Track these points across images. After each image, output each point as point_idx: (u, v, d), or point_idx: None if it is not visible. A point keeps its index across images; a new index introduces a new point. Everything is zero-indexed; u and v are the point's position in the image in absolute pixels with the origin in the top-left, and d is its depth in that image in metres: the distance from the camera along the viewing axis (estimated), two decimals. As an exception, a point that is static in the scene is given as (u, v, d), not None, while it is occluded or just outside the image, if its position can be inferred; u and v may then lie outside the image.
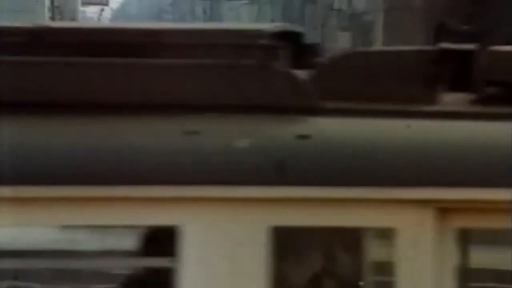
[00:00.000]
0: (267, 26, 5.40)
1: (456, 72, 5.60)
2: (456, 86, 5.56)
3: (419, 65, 5.48)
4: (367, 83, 5.40)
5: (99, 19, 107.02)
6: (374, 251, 5.69)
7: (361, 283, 5.80)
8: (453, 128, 5.41)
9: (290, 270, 5.64)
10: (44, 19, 66.01)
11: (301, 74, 5.34)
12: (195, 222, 5.11)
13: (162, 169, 5.05)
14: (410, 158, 5.21)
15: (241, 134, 5.13)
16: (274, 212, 5.08)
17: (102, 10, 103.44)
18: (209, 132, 5.10)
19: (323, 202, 5.11)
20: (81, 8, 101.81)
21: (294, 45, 5.70)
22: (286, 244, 5.46)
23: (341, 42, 58.77)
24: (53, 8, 73.70)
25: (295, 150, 5.13)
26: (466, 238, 5.74)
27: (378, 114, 5.24)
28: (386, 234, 5.41)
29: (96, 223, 5.49)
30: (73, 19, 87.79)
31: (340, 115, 5.24)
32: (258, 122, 5.17)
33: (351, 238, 5.56)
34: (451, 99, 5.55)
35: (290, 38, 5.65)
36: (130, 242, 8.31)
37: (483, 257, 6.49)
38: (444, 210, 5.23)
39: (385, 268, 5.59)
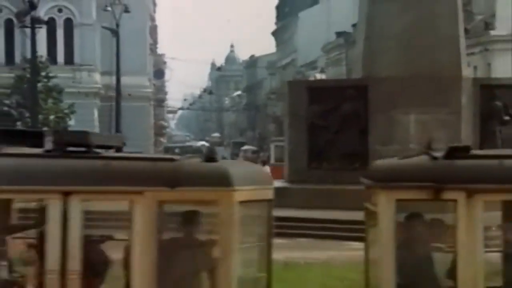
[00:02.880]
0: None
1: None
2: None
3: None
4: None
5: (173, 118, 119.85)
6: None
7: None
8: None
9: None
10: (149, 121, 62.66)
11: None
12: None
13: None
14: None
15: None
16: None
17: (174, 114, 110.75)
18: None
19: None
20: (167, 115, 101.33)
21: None
22: None
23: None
24: (154, 116, 68.53)
25: None
26: None
27: None
28: None
29: None
30: (162, 119, 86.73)
31: None
32: None
33: None
34: None
35: None
36: None
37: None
38: None
39: None
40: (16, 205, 6.25)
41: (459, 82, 23.19)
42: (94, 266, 6.14)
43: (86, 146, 6.12)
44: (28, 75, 39.79)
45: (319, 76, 60.88)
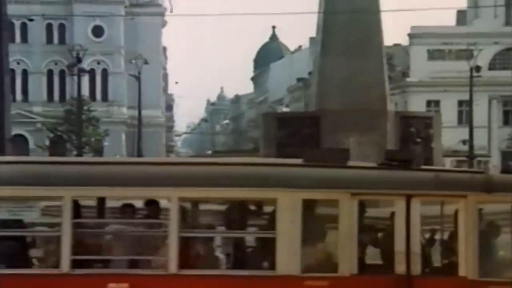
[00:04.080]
0: None
1: None
2: None
3: None
4: None
5: (179, 140, 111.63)
6: None
7: None
8: None
9: None
10: (161, 142, 58.63)
11: None
12: None
13: None
14: None
15: None
16: None
17: (180, 137, 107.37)
18: None
19: None
20: (175, 137, 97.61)
21: None
22: None
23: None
24: (165, 138, 65.83)
25: None
26: None
27: None
28: None
29: None
30: (171, 140, 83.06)
31: None
32: None
33: None
34: None
35: None
36: None
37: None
38: None
39: None
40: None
41: (385, 114, 23.14)
42: (426, 250, 5.87)
43: (407, 161, 5.80)
44: (75, 109, 39.61)
45: (285, 109, 60.78)
